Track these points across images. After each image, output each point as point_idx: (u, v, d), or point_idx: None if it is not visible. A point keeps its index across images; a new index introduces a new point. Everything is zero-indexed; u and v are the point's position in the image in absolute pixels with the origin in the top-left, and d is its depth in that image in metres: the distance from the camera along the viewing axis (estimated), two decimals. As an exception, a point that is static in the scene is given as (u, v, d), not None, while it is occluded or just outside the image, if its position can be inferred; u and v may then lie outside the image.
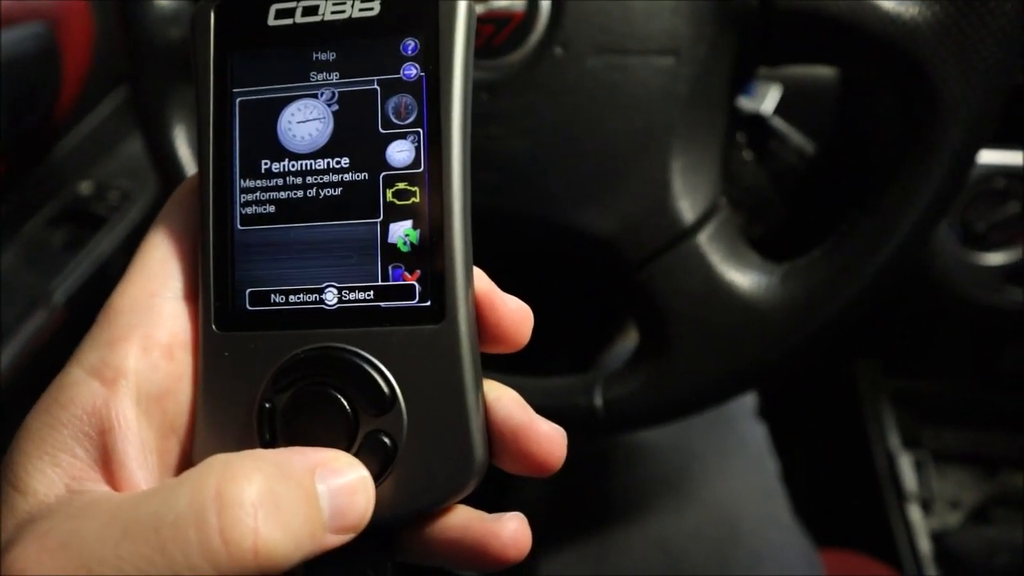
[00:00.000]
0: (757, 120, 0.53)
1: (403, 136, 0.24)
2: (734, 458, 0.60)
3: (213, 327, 0.25)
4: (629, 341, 0.66)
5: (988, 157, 0.59)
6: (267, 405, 0.24)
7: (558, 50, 0.41)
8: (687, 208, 0.42)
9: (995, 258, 0.62)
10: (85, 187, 0.77)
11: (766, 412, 0.67)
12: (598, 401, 0.45)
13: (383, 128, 0.24)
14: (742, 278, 0.42)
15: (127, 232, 0.74)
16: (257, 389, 0.25)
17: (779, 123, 0.54)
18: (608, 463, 0.60)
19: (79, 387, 0.23)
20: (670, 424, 0.47)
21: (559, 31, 0.41)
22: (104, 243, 0.72)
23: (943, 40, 0.38)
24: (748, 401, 0.65)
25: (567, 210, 0.42)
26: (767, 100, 0.55)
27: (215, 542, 0.19)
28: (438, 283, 0.24)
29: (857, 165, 0.55)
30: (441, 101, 0.24)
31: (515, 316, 0.25)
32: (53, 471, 0.22)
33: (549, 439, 0.25)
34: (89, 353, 0.24)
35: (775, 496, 0.59)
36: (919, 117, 0.40)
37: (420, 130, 0.24)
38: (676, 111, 0.41)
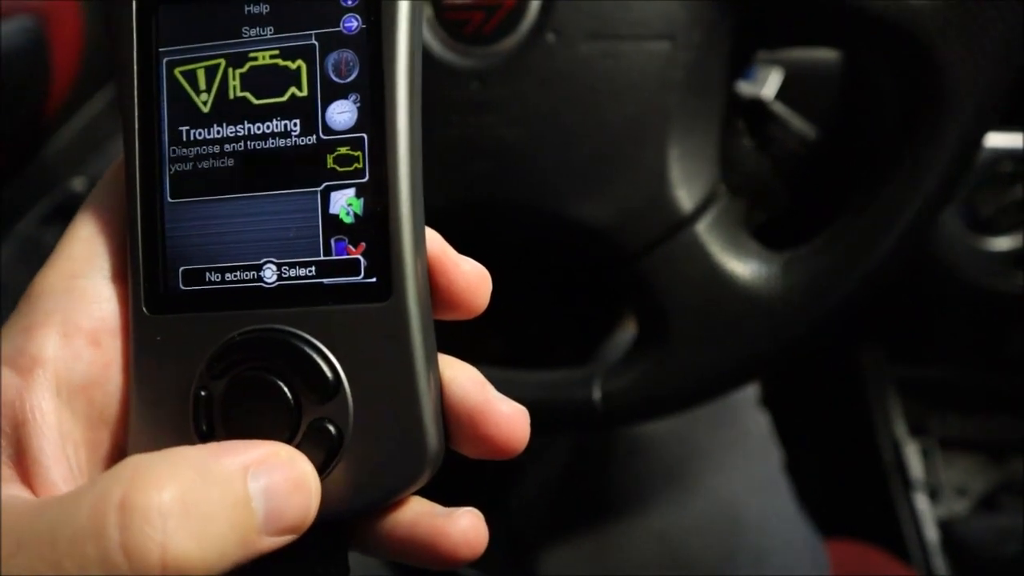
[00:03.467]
0: (757, 105, 0.52)
1: (344, 96, 0.22)
2: (736, 449, 0.59)
3: (144, 310, 0.23)
4: (627, 333, 0.65)
5: (995, 140, 0.58)
6: (202, 393, 0.23)
7: (550, 36, 0.40)
8: (685, 196, 0.41)
9: (1002, 243, 0.61)
10: (78, 184, 0.76)
11: (768, 401, 0.66)
12: (597, 394, 0.44)
13: (322, 88, 0.23)
14: (742, 267, 0.41)
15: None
16: (192, 376, 0.23)
17: (780, 108, 0.53)
18: (608, 455, 0.59)
19: None
20: (670, 417, 0.46)
21: (551, 17, 0.40)
22: (98, 240, 0.72)
23: (948, 20, 0.37)
24: (750, 391, 0.64)
25: (562, 200, 0.41)
26: (768, 85, 0.54)
27: (116, 557, 0.18)
28: (384, 258, 0.22)
29: (860, 151, 0.54)
30: (385, 56, 0.22)
31: (470, 280, 0.23)
32: None
33: (509, 420, 0.23)
34: (5, 342, 0.22)
35: (778, 487, 0.59)
36: (924, 100, 0.39)
37: (363, 89, 0.22)
38: (672, 97, 0.40)
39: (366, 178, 0.22)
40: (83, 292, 0.23)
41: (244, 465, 0.20)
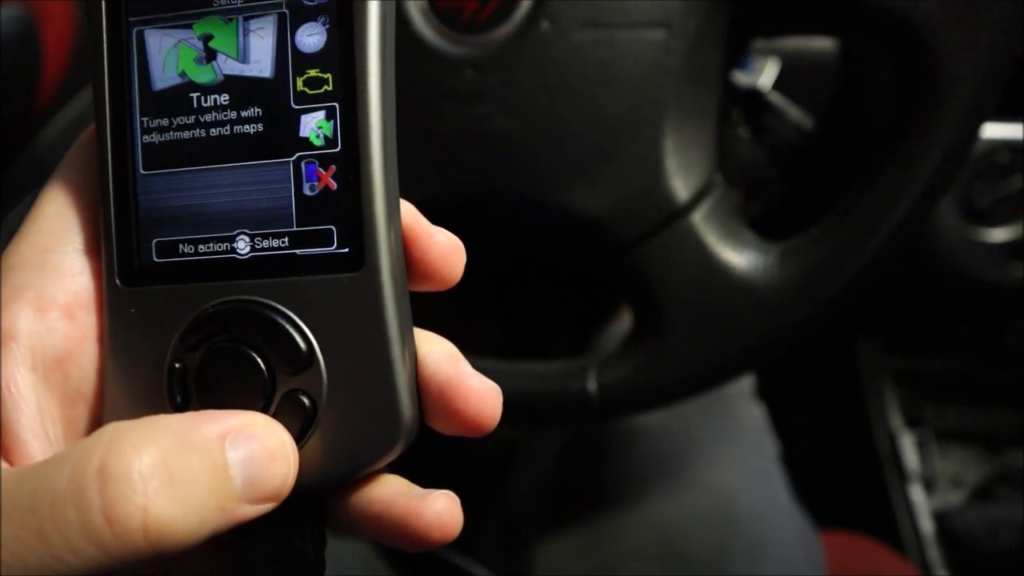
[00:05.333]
0: (753, 95, 0.52)
1: (315, 66, 0.22)
2: (731, 440, 0.59)
3: (117, 282, 0.23)
4: (623, 324, 0.65)
5: (992, 131, 0.58)
6: (177, 366, 0.23)
7: (545, 24, 0.40)
8: (681, 187, 0.41)
9: (999, 234, 0.61)
10: (70, 174, 0.75)
11: (764, 393, 0.66)
12: (592, 386, 0.44)
13: (294, 57, 0.22)
14: (738, 258, 0.41)
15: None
16: (166, 348, 0.23)
17: (776, 98, 0.53)
18: (603, 447, 0.59)
19: None
20: (666, 408, 0.46)
21: (546, 5, 0.40)
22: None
23: (946, 9, 0.37)
24: (745, 382, 0.64)
25: (557, 190, 0.41)
26: (764, 74, 0.53)
27: (97, 522, 0.17)
28: (356, 227, 0.22)
29: (857, 140, 0.54)
30: (356, 24, 0.22)
31: (443, 250, 0.23)
32: None
33: (479, 396, 0.23)
34: None
35: (774, 479, 0.59)
36: (920, 89, 0.39)
37: (333, 58, 0.22)
38: (668, 86, 0.39)
39: (337, 148, 0.22)
40: (56, 266, 0.23)
41: (222, 433, 0.20)
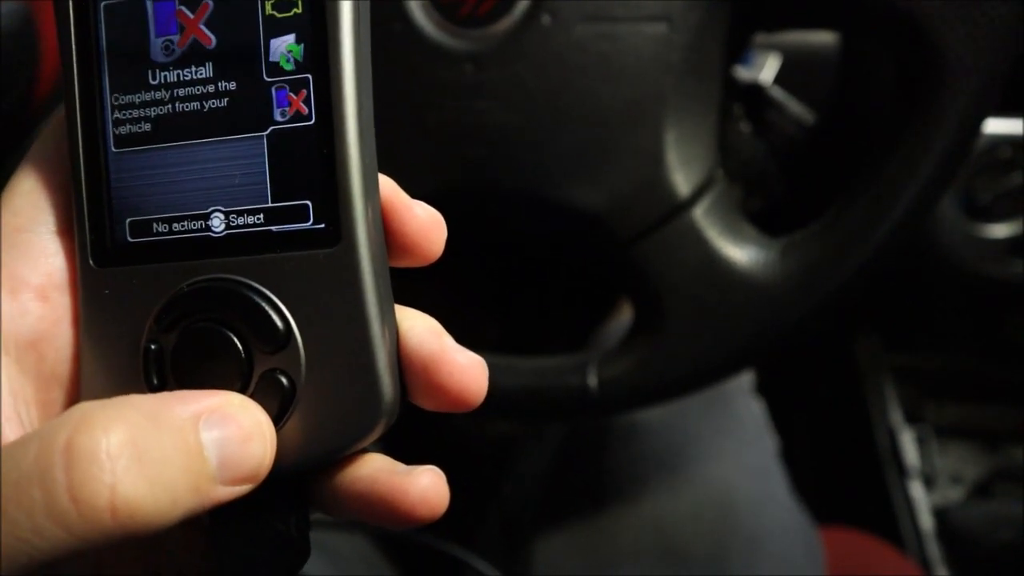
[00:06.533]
0: (755, 90, 0.52)
1: (287, 35, 0.21)
2: (731, 436, 0.59)
3: (91, 263, 0.23)
4: (623, 319, 0.65)
5: (993, 126, 0.57)
6: (152, 347, 0.22)
7: (546, 18, 0.39)
8: (682, 181, 0.40)
9: (1000, 230, 0.61)
10: (69, 169, 0.75)
11: (763, 388, 0.66)
12: (592, 381, 0.44)
13: (264, 27, 0.22)
14: (740, 253, 0.41)
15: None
16: (142, 329, 0.22)
17: (778, 93, 0.53)
18: (602, 442, 0.59)
19: None
20: (666, 404, 0.46)
21: (547, -2, 0.39)
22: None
23: (947, 2, 0.37)
24: (745, 378, 0.64)
25: (557, 185, 0.41)
26: (765, 69, 0.53)
27: (63, 502, 0.17)
28: (332, 202, 0.21)
29: (858, 135, 0.54)
30: None
31: (422, 223, 0.23)
32: None
33: (464, 370, 0.22)
34: None
35: (773, 474, 0.59)
36: (922, 83, 0.39)
37: (305, 27, 0.21)
38: (669, 80, 0.39)
39: (311, 121, 0.22)
40: (28, 246, 0.22)
41: (196, 413, 0.20)
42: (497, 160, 0.41)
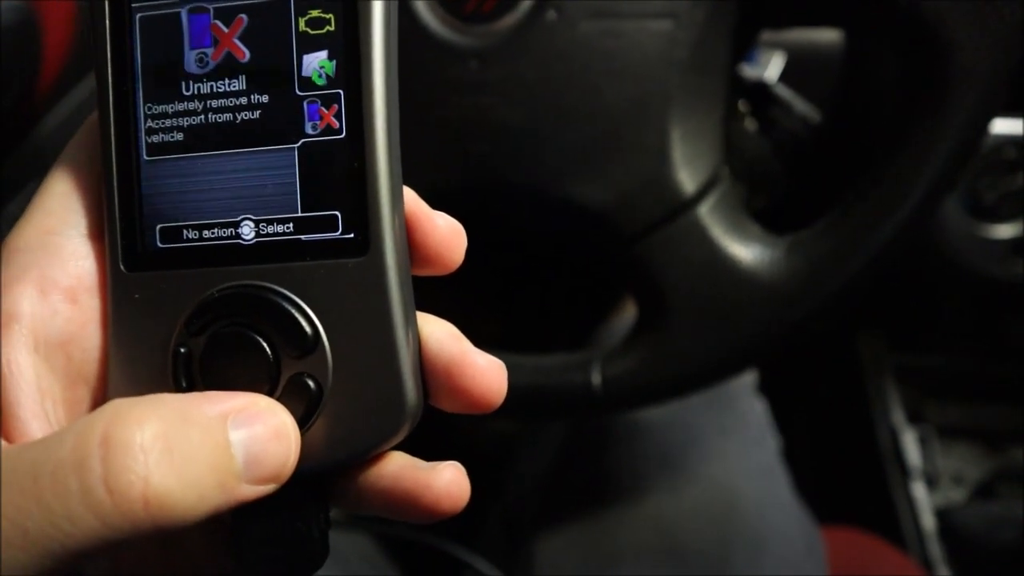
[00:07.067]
0: (760, 88, 0.52)
1: (319, 51, 0.22)
2: (733, 435, 0.59)
3: (121, 267, 0.23)
4: (627, 317, 0.65)
5: (998, 127, 0.57)
6: (182, 350, 0.23)
7: (551, 15, 0.39)
8: (687, 179, 0.40)
9: (1004, 230, 0.61)
10: (70, 165, 0.75)
11: (766, 388, 0.66)
12: (596, 379, 0.43)
13: (298, 42, 0.22)
14: (744, 251, 0.41)
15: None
16: (171, 333, 0.23)
17: (783, 91, 0.53)
18: (605, 441, 0.59)
19: None
20: (670, 402, 0.46)
21: (552, -6, 0.39)
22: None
23: (956, 2, 0.37)
24: (747, 377, 0.64)
25: (562, 182, 0.41)
26: (771, 67, 0.53)
27: (99, 491, 0.18)
28: (361, 213, 0.22)
29: (863, 134, 0.54)
30: (361, 12, 0.22)
31: (444, 234, 0.23)
32: None
33: (485, 373, 0.23)
34: None
35: (775, 474, 0.58)
36: (928, 82, 0.39)
37: (338, 45, 0.22)
38: (674, 77, 0.39)
39: (342, 135, 0.22)
40: (59, 248, 0.23)
41: (224, 412, 0.20)
42: (501, 156, 0.41)
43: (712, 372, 0.43)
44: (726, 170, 0.42)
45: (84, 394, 0.23)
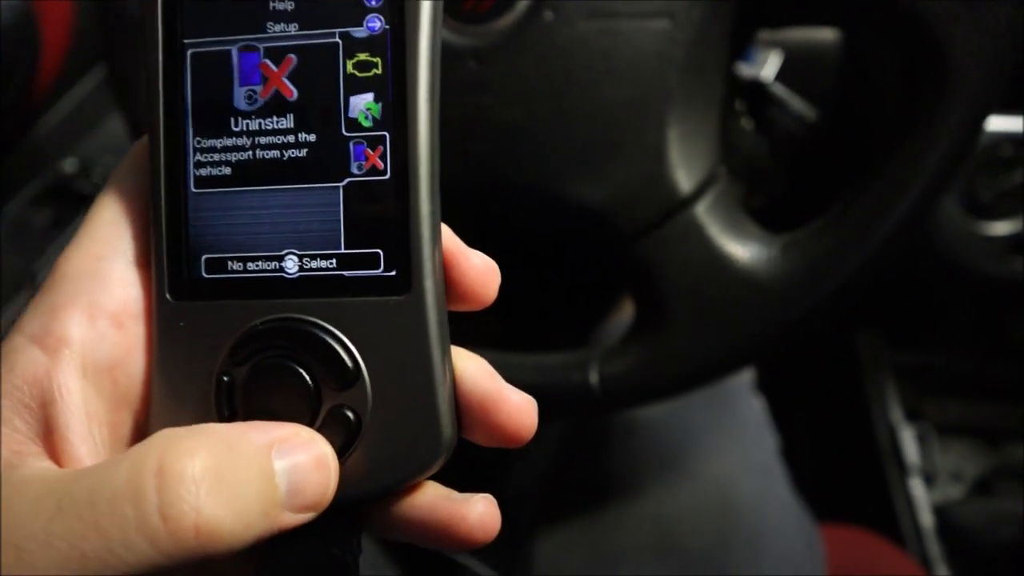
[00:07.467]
0: (757, 87, 0.52)
1: (366, 93, 0.23)
2: (731, 433, 0.59)
3: (167, 296, 0.24)
4: (625, 316, 0.65)
5: (995, 124, 0.57)
6: (225, 379, 0.23)
7: (548, 14, 0.39)
8: (684, 178, 0.40)
9: (1001, 227, 0.61)
10: (69, 165, 0.75)
11: (764, 386, 0.66)
12: (594, 378, 0.44)
13: (345, 84, 0.23)
14: (742, 250, 0.41)
15: (113, 210, 0.72)
16: (215, 362, 0.23)
17: (780, 90, 0.53)
18: (603, 439, 0.59)
19: (19, 355, 0.22)
20: (668, 401, 0.46)
21: (549, -6, 0.39)
22: (89, 222, 0.71)
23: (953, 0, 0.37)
24: (746, 375, 0.64)
25: (560, 181, 0.41)
26: (768, 66, 0.53)
27: (154, 520, 0.18)
28: (403, 253, 0.23)
29: (861, 133, 0.54)
30: (407, 57, 0.23)
31: (480, 272, 0.24)
32: None
33: (519, 409, 0.24)
34: (31, 320, 0.23)
35: (774, 472, 0.58)
36: (925, 81, 0.39)
37: (384, 88, 0.23)
38: (672, 77, 0.39)
39: (386, 176, 0.23)
40: (107, 275, 0.23)
41: (269, 442, 0.21)
42: (499, 156, 0.41)
43: (710, 371, 0.43)
44: (723, 169, 0.42)
45: (127, 417, 0.24)
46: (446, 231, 0.24)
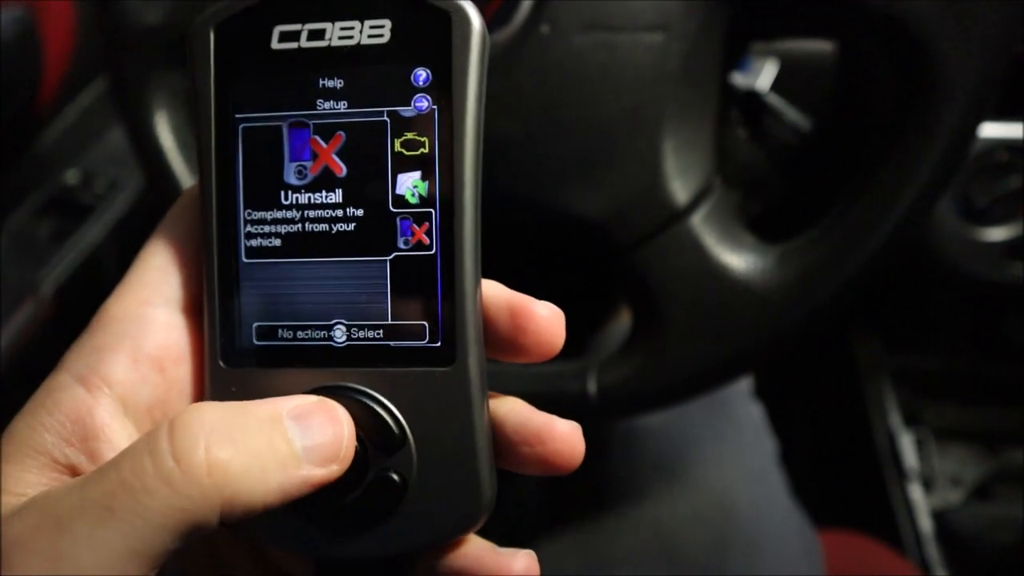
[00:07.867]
0: (752, 97, 0.52)
1: (413, 171, 0.24)
2: (730, 439, 0.59)
3: (220, 363, 0.25)
4: (622, 325, 0.65)
5: (989, 130, 0.58)
6: None
7: (544, 28, 0.40)
8: (680, 189, 0.41)
9: (996, 233, 0.61)
10: (71, 176, 0.76)
11: (762, 391, 0.66)
12: (591, 387, 0.44)
13: (393, 162, 0.24)
14: (737, 260, 0.41)
15: (115, 221, 0.73)
16: None
17: (775, 99, 0.53)
18: (601, 446, 0.59)
19: (64, 393, 0.23)
20: (665, 409, 0.46)
21: (546, 8, 0.40)
22: (92, 233, 0.71)
23: (942, 9, 0.37)
24: (744, 381, 0.64)
25: (557, 192, 0.41)
26: (762, 76, 0.53)
27: (168, 463, 0.20)
28: (448, 326, 0.24)
29: (855, 142, 0.54)
30: (455, 136, 0.23)
31: (550, 323, 0.25)
32: (35, 476, 0.22)
33: (569, 437, 0.25)
34: (77, 359, 0.24)
35: (772, 478, 0.59)
36: (917, 90, 0.39)
37: (431, 166, 0.23)
38: (667, 88, 0.40)
39: (432, 251, 0.24)
40: (152, 320, 0.25)
41: (280, 407, 0.22)
42: (497, 167, 0.41)
43: (706, 379, 0.43)
44: (719, 179, 0.43)
45: None
46: (503, 289, 0.25)
